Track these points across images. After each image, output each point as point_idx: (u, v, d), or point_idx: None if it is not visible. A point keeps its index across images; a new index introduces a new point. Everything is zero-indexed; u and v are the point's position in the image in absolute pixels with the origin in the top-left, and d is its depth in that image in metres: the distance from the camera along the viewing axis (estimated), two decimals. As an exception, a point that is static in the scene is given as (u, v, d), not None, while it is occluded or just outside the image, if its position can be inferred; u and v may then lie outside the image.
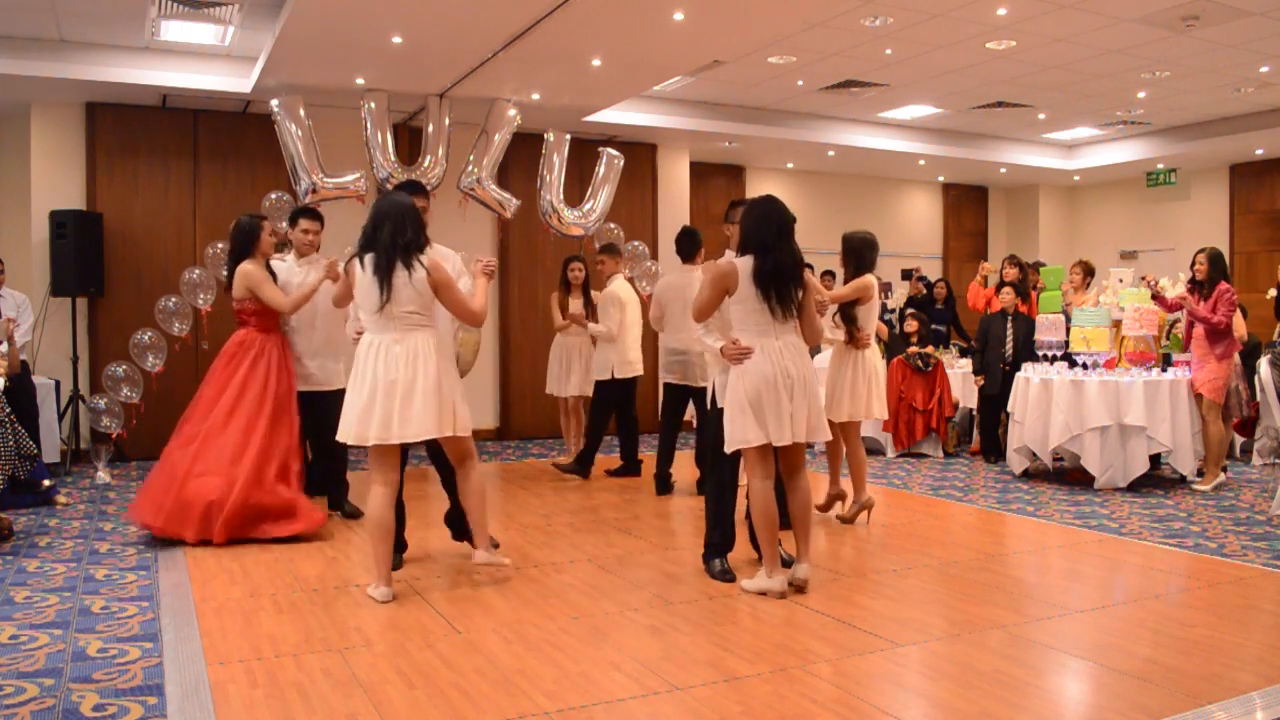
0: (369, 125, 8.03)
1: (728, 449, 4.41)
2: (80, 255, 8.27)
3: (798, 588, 4.42)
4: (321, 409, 5.90)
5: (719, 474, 4.73)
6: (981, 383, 8.45)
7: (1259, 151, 11.68)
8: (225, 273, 5.72)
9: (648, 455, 8.31)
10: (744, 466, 4.52)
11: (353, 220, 9.15)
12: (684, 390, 6.78)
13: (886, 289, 10.33)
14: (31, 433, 6.39)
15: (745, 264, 4.32)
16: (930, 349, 8.90)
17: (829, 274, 10.53)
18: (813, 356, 4.81)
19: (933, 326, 9.46)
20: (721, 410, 4.59)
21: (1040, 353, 7.67)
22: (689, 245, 6.64)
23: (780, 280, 4.30)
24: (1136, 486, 7.02)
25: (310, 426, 6.02)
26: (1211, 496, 6.80)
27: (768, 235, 4.31)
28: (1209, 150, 11.55)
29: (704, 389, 5.49)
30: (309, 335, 6.01)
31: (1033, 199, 14.15)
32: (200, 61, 8.22)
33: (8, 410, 5.84)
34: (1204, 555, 5.11)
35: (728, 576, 4.63)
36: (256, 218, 5.85)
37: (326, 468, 6.27)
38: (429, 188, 8.21)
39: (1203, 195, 12.79)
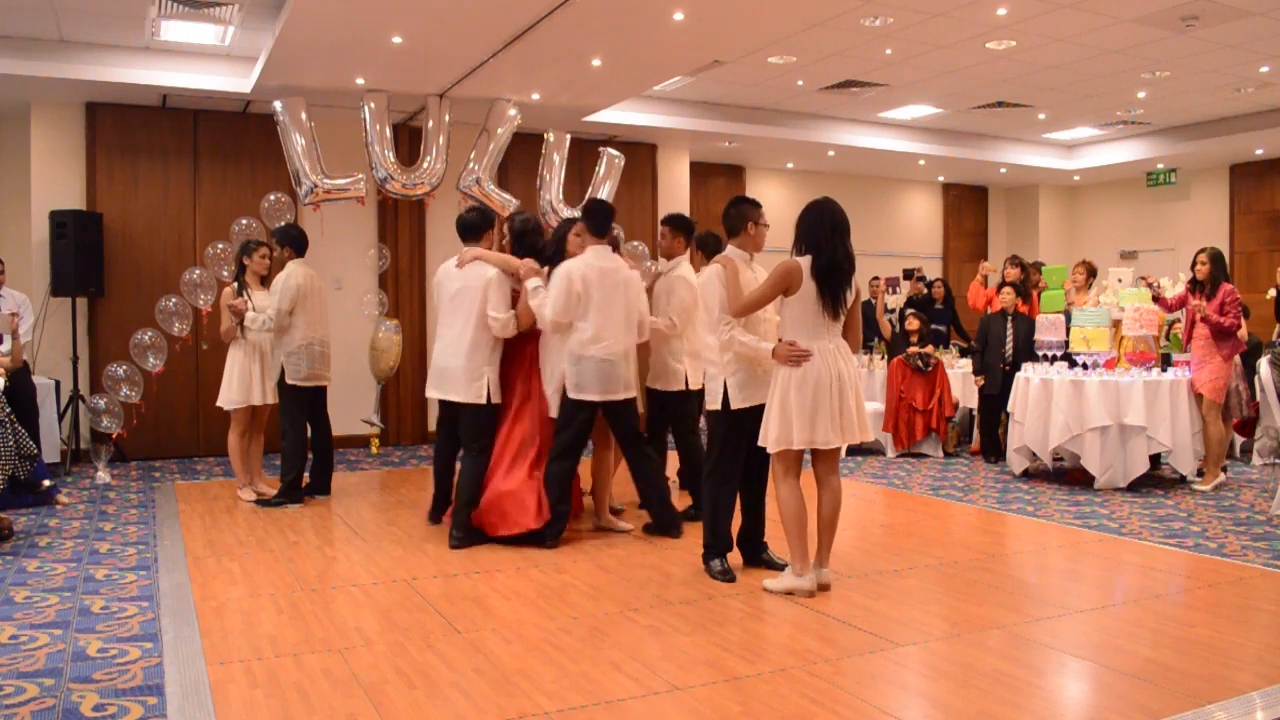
0: (369, 125, 8.03)
1: (773, 448, 4.37)
2: (80, 255, 8.27)
3: (822, 587, 4.44)
4: (324, 402, 6.76)
5: (716, 476, 4.72)
6: (981, 383, 8.45)
7: (1259, 151, 11.68)
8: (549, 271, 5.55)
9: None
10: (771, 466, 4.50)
11: (354, 220, 9.21)
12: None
13: (893, 285, 10.32)
14: (31, 433, 6.40)
15: (805, 263, 4.33)
16: (930, 349, 8.90)
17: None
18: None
19: (933, 326, 9.47)
20: (723, 412, 4.60)
21: (1040, 353, 7.67)
22: (713, 247, 6.54)
23: (835, 279, 4.32)
24: (1136, 486, 7.02)
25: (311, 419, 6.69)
26: (1211, 496, 6.80)
27: (821, 233, 4.32)
28: (1209, 150, 11.55)
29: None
30: (319, 330, 6.57)
31: (1033, 199, 14.15)
32: (200, 61, 8.21)
33: (8, 410, 5.84)
34: (1204, 555, 5.11)
35: (728, 576, 4.63)
36: (571, 221, 5.80)
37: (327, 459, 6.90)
38: (430, 187, 8.24)
39: (1203, 195, 12.79)
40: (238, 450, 6.67)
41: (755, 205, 4.82)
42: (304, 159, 7.79)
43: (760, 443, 4.41)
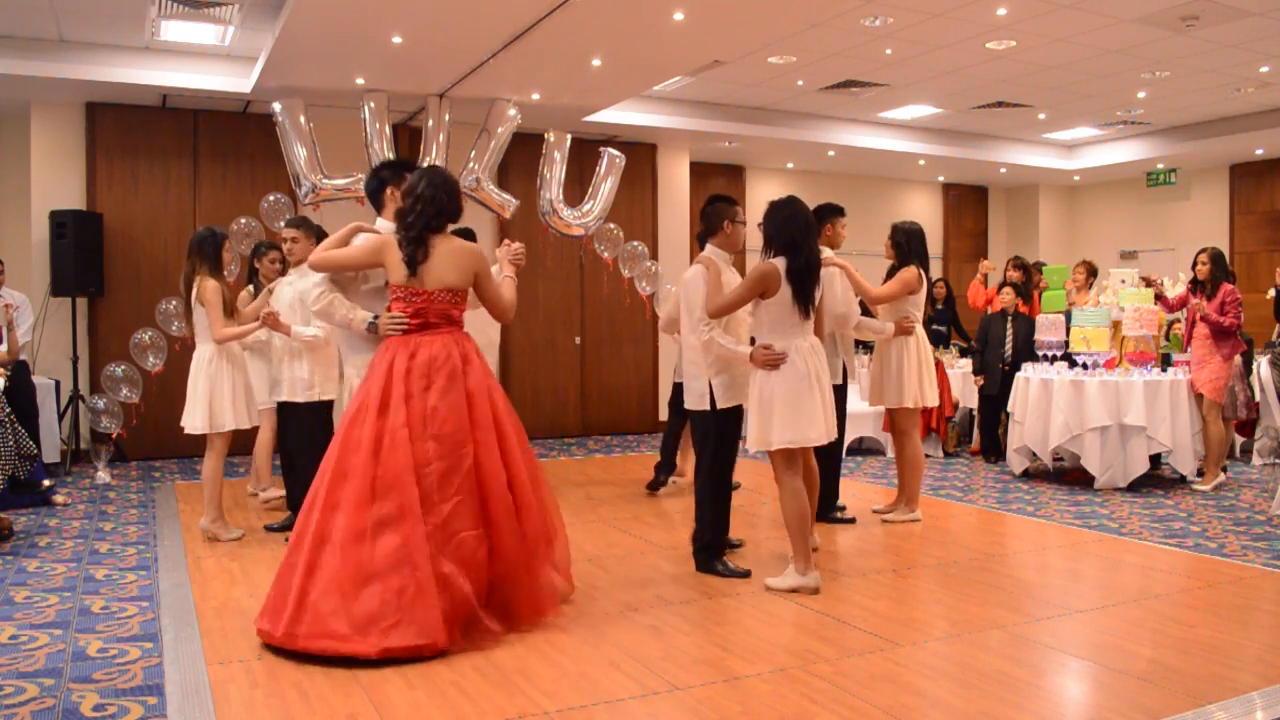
0: (369, 125, 8.03)
1: (753, 448, 4.46)
2: (80, 255, 8.27)
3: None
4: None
5: (713, 476, 4.75)
6: (981, 383, 8.46)
7: (1259, 151, 11.68)
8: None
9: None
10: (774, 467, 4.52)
11: (354, 220, 9.20)
12: None
13: None
14: (31, 433, 6.39)
15: (780, 264, 4.36)
16: (930, 348, 8.88)
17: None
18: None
19: (933, 326, 9.47)
20: (712, 413, 4.65)
21: (1040, 353, 7.67)
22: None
23: (809, 280, 4.37)
24: (1136, 486, 7.02)
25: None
26: (1211, 496, 6.80)
27: (798, 234, 4.36)
28: (1209, 150, 11.55)
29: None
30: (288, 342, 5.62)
31: (1033, 199, 14.15)
32: (200, 61, 8.22)
33: (8, 410, 5.84)
34: (1204, 555, 5.11)
35: (743, 572, 4.66)
36: None
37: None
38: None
39: (1203, 195, 12.79)
40: (219, 479, 5.53)
41: (732, 203, 4.84)
42: (303, 160, 7.79)
43: (750, 445, 4.48)
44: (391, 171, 4.36)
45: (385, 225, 4.25)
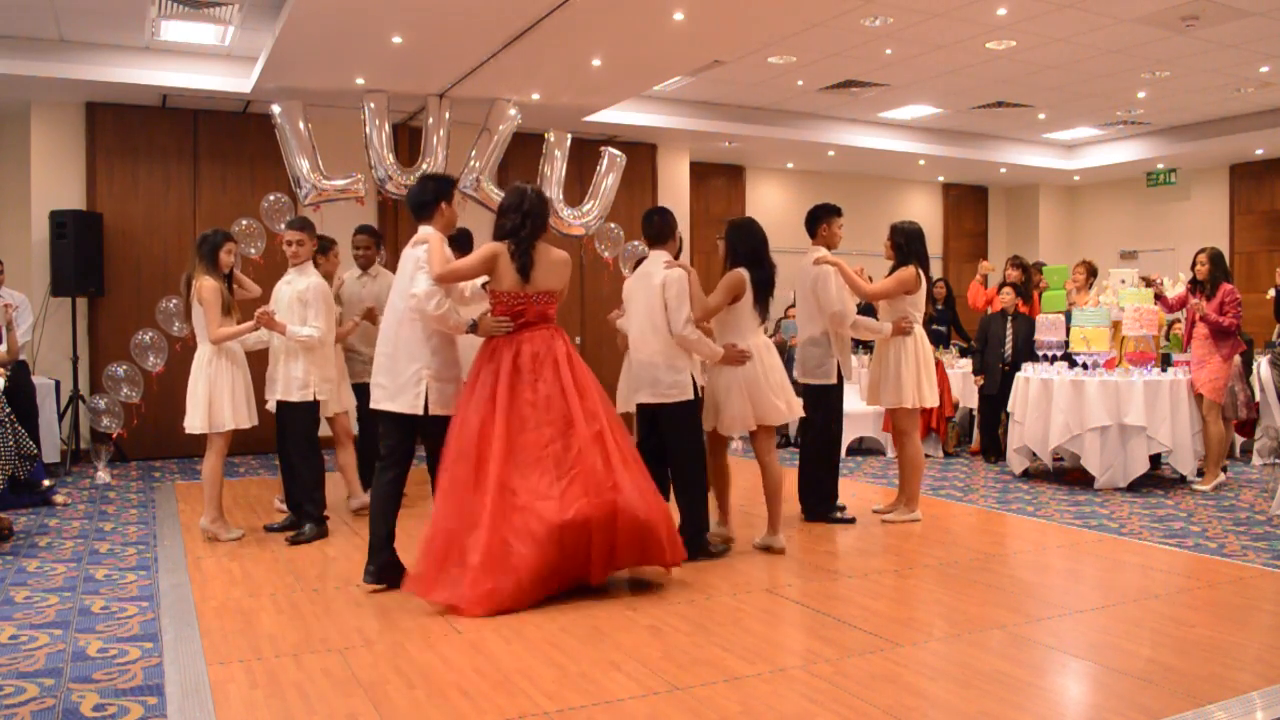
0: (369, 125, 8.03)
1: (738, 431, 5.14)
2: (80, 255, 8.28)
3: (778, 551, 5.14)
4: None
5: (700, 460, 5.08)
6: (981, 383, 8.46)
7: (1259, 151, 11.68)
8: None
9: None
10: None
11: (354, 220, 9.20)
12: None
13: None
14: (31, 433, 6.39)
15: (745, 274, 5.08)
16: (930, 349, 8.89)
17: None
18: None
19: (933, 326, 9.47)
20: (696, 401, 4.99)
21: (1040, 353, 7.67)
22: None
23: (769, 288, 5.13)
24: (1136, 486, 7.02)
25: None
26: (1211, 496, 6.80)
27: (759, 248, 5.14)
28: (1209, 150, 11.55)
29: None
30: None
31: (1033, 199, 14.15)
32: (200, 61, 8.22)
33: (8, 410, 5.84)
34: (1204, 555, 5.11)
35: (728, 540, 5.20)
36: None
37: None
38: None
39: (1203, 195, 12.79)
40: (219, 478, 5.54)
41: (673, 214, 5.30)
42: (302, 162, 7.79)
43: (725, 429, 5.13)
44: (441, 185, 4.70)
45: (435, 235, 4.62)
